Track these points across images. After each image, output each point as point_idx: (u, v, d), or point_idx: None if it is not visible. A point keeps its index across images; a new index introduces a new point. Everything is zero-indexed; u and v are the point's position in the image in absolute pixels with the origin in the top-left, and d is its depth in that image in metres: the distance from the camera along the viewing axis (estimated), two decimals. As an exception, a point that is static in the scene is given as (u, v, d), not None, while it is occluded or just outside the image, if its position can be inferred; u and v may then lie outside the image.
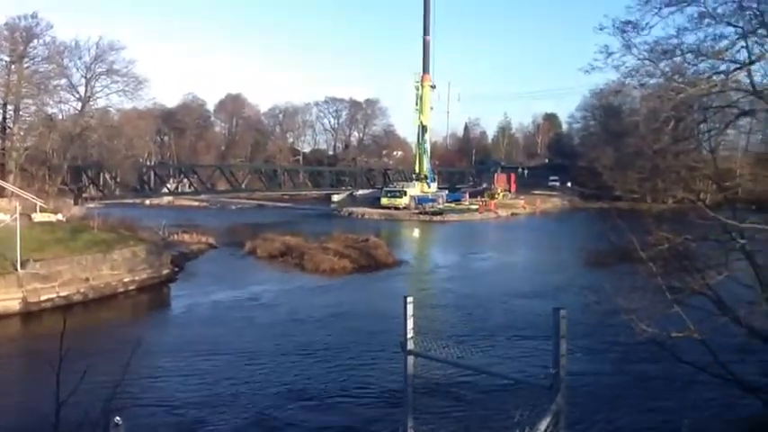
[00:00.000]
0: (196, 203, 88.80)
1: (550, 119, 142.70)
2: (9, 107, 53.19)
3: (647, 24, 14.56)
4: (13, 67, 52.09)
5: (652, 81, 15.70)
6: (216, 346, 24.22)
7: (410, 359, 6.78)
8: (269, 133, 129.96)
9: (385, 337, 20.97)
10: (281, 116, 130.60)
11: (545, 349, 5.27)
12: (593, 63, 15.30)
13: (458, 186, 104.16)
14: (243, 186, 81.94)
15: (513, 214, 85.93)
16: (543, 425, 4.78)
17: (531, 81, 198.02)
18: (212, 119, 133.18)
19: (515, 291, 34.07)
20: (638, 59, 15.01)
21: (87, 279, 32.29)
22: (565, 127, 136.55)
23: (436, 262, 49.11)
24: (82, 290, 31.84)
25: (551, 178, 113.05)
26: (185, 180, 77.64)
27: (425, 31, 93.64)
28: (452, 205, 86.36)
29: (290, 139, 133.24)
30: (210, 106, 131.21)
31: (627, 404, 17.86)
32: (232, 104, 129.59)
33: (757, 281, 11.91)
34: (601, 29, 15.17)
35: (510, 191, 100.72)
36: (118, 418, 4.17)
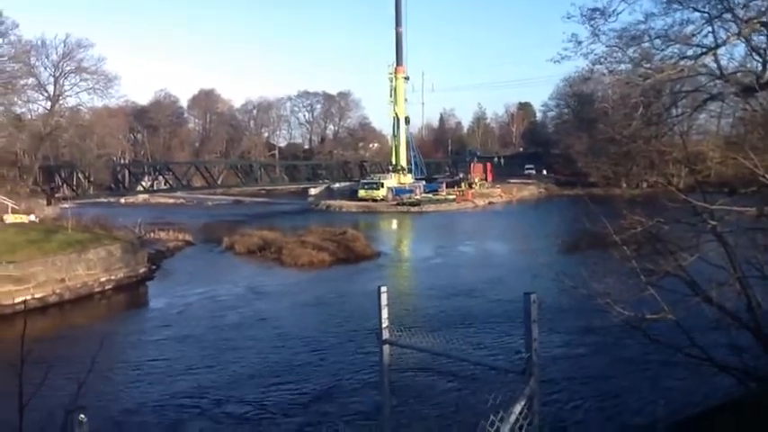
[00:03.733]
0: (172, 201, 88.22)
1: (524, 108, 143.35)
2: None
3: (614, 11, 14.67)
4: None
5: (621, 67, 15.82)
6: (190, 346, 23.95)
7: (386, 348, 6.79)
8: (243, 128, 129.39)
9: (366, 329, 21.00)
10: (254, 111, 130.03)
11: (520, 334, 5.31)
12: (563, 52, 15.38)
13: (434, 177, 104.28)
14: (219, 182, 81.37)
15: (490, 203, 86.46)
16: (518, 408, 4.83)
17: (504, 71, 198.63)
18: (186, 115, 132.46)
19: (492, 278, 34.26)
20: (607, 47, 15.11)
21: (63, 280, 31.96)
22: (539, 115, 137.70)
23: (414, 253, 49.35)
24: (57, 291, 31.52)
25: (527, 166, 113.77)
26: (160, 177, 77.00)
27: (397, 23, 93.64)
28: (430, 196, 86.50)
29: (265, 134, 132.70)
30: (183, 102, 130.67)
31: (604, 386, 18.11)
32: (205, 100, 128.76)
33: (728, 261, 12.01)
34: (569, 17, 15.24)
35: (486, 180, 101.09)
36: (82, 415, 4.13)
